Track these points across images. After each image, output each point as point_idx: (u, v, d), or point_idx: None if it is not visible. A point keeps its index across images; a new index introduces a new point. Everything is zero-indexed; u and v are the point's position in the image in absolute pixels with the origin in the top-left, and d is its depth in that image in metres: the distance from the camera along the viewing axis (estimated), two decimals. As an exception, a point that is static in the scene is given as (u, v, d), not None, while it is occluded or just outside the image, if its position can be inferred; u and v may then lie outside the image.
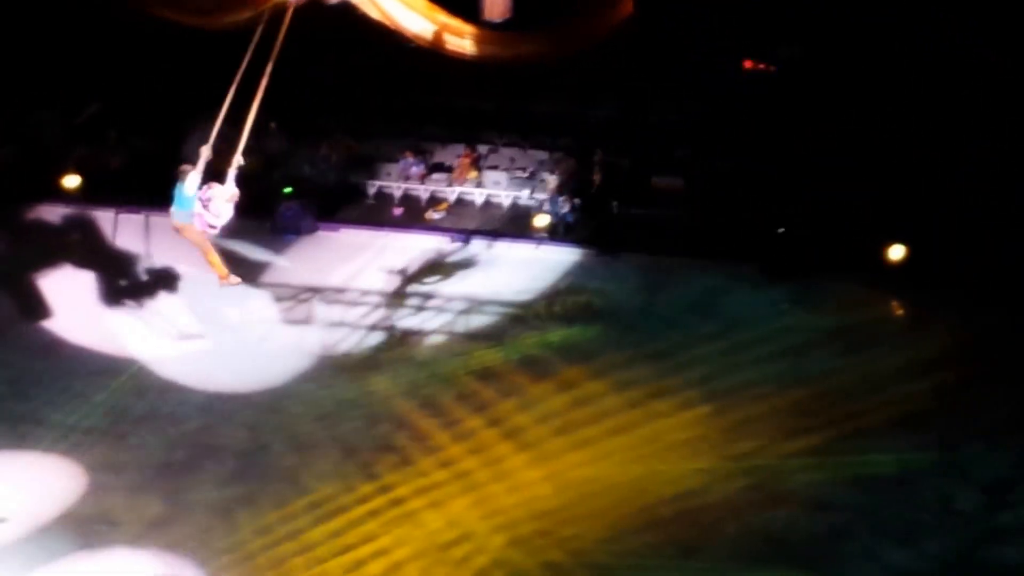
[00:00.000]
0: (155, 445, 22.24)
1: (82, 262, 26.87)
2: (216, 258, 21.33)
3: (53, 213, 28.65)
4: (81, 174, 29.15)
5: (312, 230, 28.58)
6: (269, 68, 20.61)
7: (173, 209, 20.62)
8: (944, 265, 25.88)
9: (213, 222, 20.39)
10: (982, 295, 25.36)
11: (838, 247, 26.38)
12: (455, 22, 23.73)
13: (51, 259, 26.81)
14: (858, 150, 27.07)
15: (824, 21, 26.78)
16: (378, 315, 25.81)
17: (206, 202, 20.18)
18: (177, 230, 20.79)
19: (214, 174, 20.39)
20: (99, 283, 26.27)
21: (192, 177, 20.23)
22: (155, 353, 24.37)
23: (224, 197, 20.23)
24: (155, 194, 26.46)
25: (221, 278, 21.59)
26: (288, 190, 29.12)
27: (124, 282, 26.43)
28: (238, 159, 20.45)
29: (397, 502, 20.96)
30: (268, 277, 27.00)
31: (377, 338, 25.18)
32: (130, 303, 25.85)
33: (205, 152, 20.31)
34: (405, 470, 21.61)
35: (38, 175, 29.16)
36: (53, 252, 27.13)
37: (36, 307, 25.55)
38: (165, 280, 26.34)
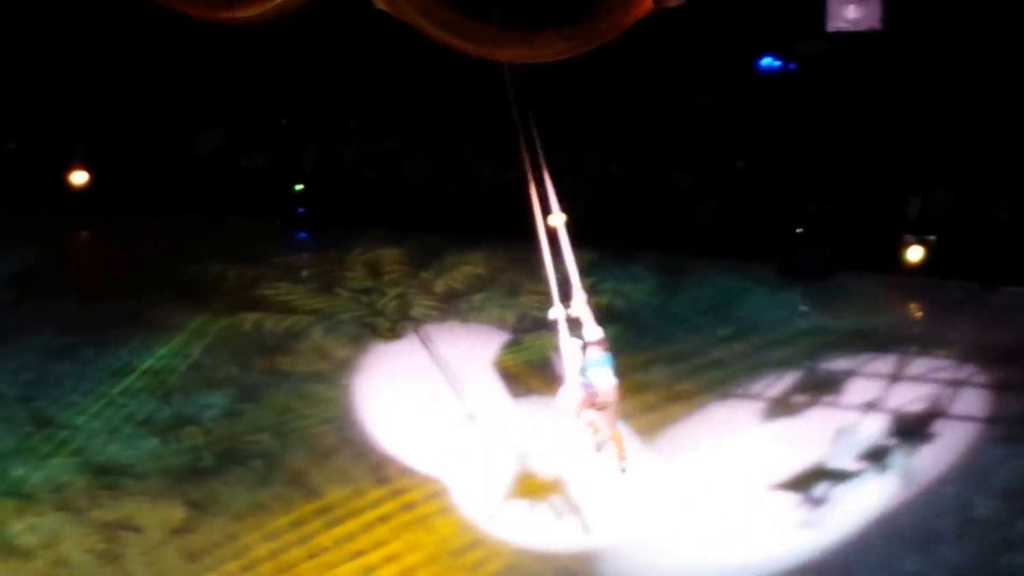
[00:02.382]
0: (177, 449, 22.04)
1: (95, 262, 26.72)
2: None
3: (62, 212, 28.44)
4: (89, 171, 28.88)
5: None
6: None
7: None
8: (966, 266, 25.56)
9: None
10: (1005, 296, 25.20)
11: (857, 248, 26.08)
12: (469, 23, 23.39)
13: (65, 260, 26.62)
14: (878, 148, 26.78)
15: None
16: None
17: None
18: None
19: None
20: (115, 283, 26.03)
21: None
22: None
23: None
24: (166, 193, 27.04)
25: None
26: (299, 187, 28.90)
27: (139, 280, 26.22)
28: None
29: (409, 507, 20.74)
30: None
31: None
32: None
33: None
34: (417, 474, 21.37)
35: (45, 171, 28.91)
36: (64, 253, 26.94)
37: (52, 309, 25.30)
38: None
